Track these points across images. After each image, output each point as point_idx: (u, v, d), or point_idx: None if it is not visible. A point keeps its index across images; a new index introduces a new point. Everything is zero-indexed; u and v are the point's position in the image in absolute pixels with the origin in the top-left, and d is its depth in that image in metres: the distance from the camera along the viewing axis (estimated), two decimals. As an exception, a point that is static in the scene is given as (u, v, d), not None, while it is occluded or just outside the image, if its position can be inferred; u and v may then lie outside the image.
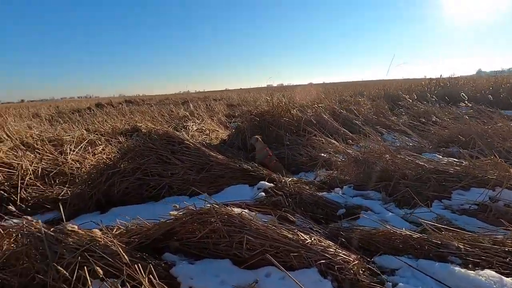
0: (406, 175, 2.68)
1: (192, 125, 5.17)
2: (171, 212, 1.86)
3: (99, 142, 3.86)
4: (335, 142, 3.55)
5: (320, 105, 5.02)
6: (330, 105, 5.27)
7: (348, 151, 3.34)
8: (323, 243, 1.69)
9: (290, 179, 2.79)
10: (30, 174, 2.69)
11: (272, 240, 1.65)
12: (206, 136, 5.15)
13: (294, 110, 4.57)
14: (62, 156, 3.07)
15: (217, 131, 5.69)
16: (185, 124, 5.13)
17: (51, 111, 14.75)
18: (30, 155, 3.76)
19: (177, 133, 3.08)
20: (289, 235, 1.69)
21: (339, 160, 3.37)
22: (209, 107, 10.76)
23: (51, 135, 5.03)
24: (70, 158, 3.08)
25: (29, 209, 2.60)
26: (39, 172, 2.78)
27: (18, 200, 2.55)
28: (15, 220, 2.45)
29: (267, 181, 2.80)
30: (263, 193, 2.66)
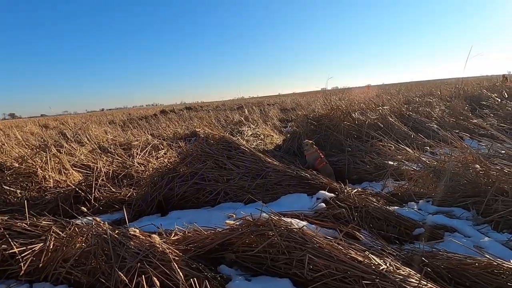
0: (506, 191, 2.17)
1: (247, 130, 5.16)
2: (227, 221, 1.78)
3: (162, 147, 4.09)
4: (406, 148, 3.11)
5: (384, 107, 4.53)
6: (396, 107, 4.73)
7: (423, 158, 2.89)
8: (401, 271, 1.41)
9: (355, 190, 2.50)
10: (103, 176, 2.93)
11: (338, 262, 1.44)
12: (260, 141, 5.09)
13: (355, 113, 4.19)
14: (130, 160, 3.30)
15: (272, 136, 5.59)
16: (240, 129, 5.16)
17: (124, 118, 16.59)
18: (104, 158, 4.16)
19: (233, 138, 3.05)
20: (359, 258, 1.45)
21: (412, 169, 2.94)
22: (263, 112, 10.79)
23: (122, 139, 5.54)
24: (137, 162, 3.30)
25: (101, 208, 2.83)
26: (110, 174, 3.03)
27: (92, 199, 2.78)
28: (88, 218, 2.70)
29: (328, 191, 2.56)
30: (323, 204, 2.43)
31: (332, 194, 2.55)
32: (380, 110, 4.39)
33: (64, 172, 3.59)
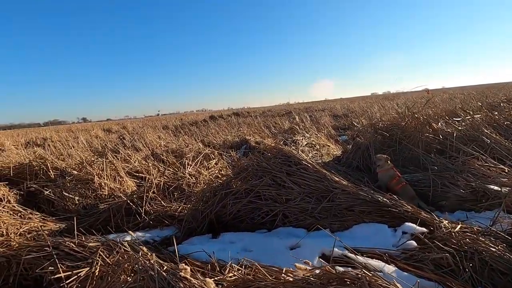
0: None
1: (302, 139, 4.72)
2: (297, 265, 1.39)
3: (213, 156, 3.88)
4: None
5: (475, 115, 3.71)
6: (488, 115, 3.85)
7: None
8: None
9: (458, 225, 1.91)
10: (154, 187, 2.78)
11: None
12: (316, 152, 4.61)
13: (439, 122, 3.48)
14: (181, 171, 3.12)
15: (328, 146, 5.06)
16: (294, 138, 4.74)
17: (176, 123, 17.38)
18: (156, 167, 4.10)
19: (293, 151, 2.65)
20: None
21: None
22: (314, 119, 10.21)
23: (174, 146, 5.53)
24: (188, 172, 3.11)
25: (151, 222, 2.66)
26: (161, 186, 2.87)
27: (143, 213, 2.63)
28: (138, 233, 2.53)
29: (418, 224, 2.01)
30: (413, 242, 1.90)
31: (424, 229, 1.99)
32: (469, 119, 3.60)
33: (118, 180, 3.58)
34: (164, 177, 2.96)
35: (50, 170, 3.35)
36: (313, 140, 4.87)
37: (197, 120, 18.14)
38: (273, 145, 2.81)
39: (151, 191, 2.75)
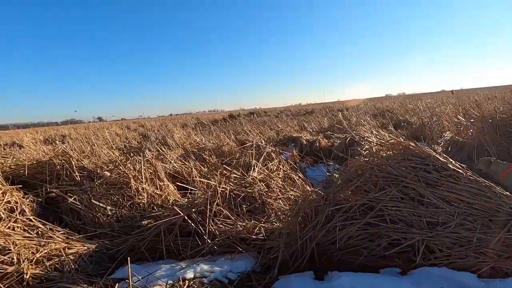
0: None
1: (370, 136, 3.86)
2: None
3: (274, 155, 3.06)
4: None
5: None
6: None
7: None
8: None
9: None
10: (218, 198, 1.98)
11: None
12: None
13: None
14: (248, 176, 2.32)
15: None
16: (362, 135, 3.87)
17: (194, 122, 16.76)
18: (198, 167, 3.33)
19: (430, 151, 1.81)
20: None
21: None
22: (347, 117, 9.24)
23: (211, 144, 4.75)
24: (257, 178, 2.30)
25: (216, 247, 1.87)
26: (227, 195, 2.08)
27: (206, 234, 1.84)
28: (204, 266, 1.74)
29: None
30: None
31: None
32: None
33: (158, 184, 2.83)
34: (230, 183, 2.16)
35: (75, 171, 2.62)
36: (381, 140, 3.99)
37: (216, 119, 17.44)
38: (394, 140, 1.97)
39: (215, 202, 1.95)
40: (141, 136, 8.84)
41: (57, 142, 7.41)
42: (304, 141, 4.41)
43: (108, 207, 2.44)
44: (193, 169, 3.34)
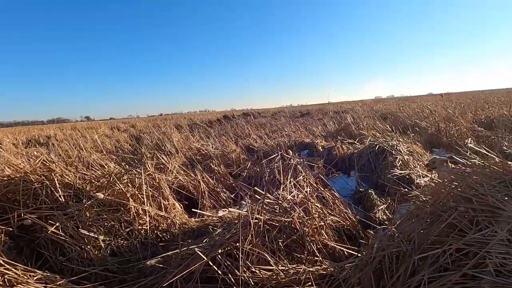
0: None
1: (400, 144, 3.44)
2: None
3: (299, 168, 2.58)
4: None
5: None
6: None
7: None
8: None
9: None
10: (252, 232, 1.49)
11: None
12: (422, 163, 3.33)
13: None
14: (283, 199, 1.83)
15: (424, 154, 3.79)
16: (390, 143, 3.44)
17: (187, 123, 16.11)
18: (206, 180, 2.83)
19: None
20: None
21: None
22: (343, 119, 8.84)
23: (215, 150, 4.26)
24: (292, 201, 1.81)
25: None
26: (261, 226, 1.59)
27: (239, 286, 1.35)
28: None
29: None
30: None
31: None
32: None
33: (163, 204, 2.31)
34: (263, 212, 1.65)
35: (58, 189, 2.07)
36: (409, 147, 3.59)
37: (210, 119, 16.84)
38: (496, 159, 1.52)
39: (247, 239, 1.47)
40: (133, 139, 8.22)
41: (40, 144, 6.74)
42: (320, 147, 3.96)
43: (101, 237, 1.92)
44: (201, 183, 2.84)
